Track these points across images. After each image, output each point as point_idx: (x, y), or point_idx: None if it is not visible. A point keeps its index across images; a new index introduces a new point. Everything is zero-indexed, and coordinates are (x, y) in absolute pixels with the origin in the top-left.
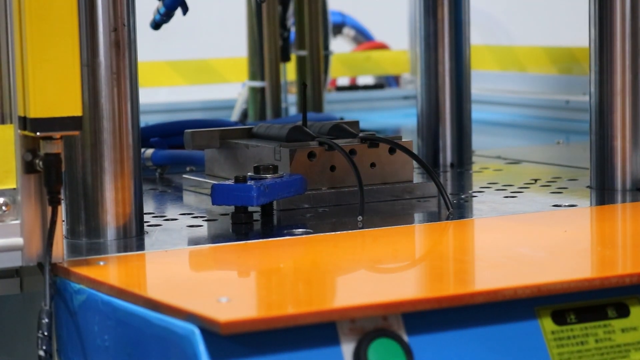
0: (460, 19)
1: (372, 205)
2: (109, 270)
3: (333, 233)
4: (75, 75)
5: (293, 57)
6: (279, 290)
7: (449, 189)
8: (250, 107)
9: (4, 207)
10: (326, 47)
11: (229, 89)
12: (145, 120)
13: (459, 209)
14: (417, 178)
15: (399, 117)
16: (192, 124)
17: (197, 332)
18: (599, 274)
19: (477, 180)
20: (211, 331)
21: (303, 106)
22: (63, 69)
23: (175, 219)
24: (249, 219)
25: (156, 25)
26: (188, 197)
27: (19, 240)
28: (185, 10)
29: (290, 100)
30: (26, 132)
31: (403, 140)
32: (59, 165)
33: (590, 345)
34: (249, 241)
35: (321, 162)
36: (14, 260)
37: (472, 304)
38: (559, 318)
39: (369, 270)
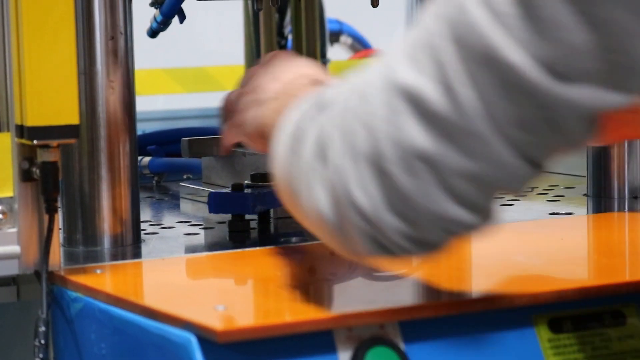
0: None
1: None
2: (106, 278)
3: None
4: (73, 83)
5: None
6: (275, 299)
7: None
8: None
9: (0, 215)
10: (323, 55)
11: None
12: (143, 128)
13: None
14: None
15: None
16: (189, 131)
17: (193, 340)
18: (595, 282)
19: None
20: (208, 339)
21: None
22: (60, 77)
23: (172, 227)
24: (246, 227)
25: (153, 33)
26: (185, 205)
27: (15, 248)
28: (182, 18)
29: None
30: (23, 140)
31: None
32: (56, 173)
33: (586, 353)
34: (246, 249)
35: None
36: (10, 268)
37: (469, 312)
38: (556, 326)
39: (366, 278)
